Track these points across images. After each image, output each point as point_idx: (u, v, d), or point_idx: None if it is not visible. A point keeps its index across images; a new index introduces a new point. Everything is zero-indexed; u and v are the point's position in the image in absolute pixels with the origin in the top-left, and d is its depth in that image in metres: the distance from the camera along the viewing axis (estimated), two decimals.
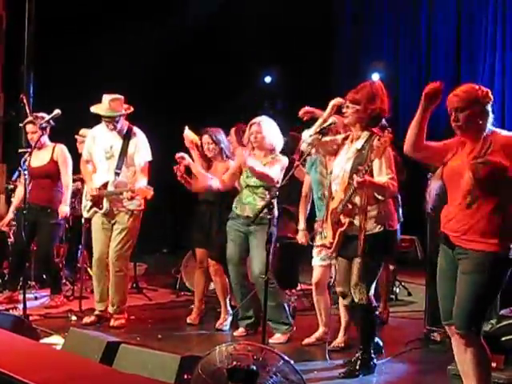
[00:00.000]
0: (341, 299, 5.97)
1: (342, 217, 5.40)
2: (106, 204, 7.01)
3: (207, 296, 7.56)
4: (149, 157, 7.13)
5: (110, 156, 7.06)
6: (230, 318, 7.10)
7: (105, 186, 7.03)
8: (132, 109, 7.10)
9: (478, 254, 4.27)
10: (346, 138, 5.66)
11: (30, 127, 7.89)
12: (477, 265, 4.27)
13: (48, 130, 7.72)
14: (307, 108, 6.25)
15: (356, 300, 5.51)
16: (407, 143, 4.48)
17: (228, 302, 7.15)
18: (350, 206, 5.37)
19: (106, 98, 6.96)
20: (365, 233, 5.33)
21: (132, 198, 6.83)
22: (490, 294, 4.37)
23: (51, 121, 7.40)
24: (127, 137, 7.07)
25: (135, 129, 7.16)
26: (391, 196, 5.44)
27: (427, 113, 4.40)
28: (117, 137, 7.07)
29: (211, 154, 7.12)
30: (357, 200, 5.36)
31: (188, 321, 7.23)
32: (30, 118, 8.04)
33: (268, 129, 6.64)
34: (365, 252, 5.35)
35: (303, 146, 5.77)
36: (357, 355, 5.60)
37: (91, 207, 7.12)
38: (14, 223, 8.55)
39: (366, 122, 5.52)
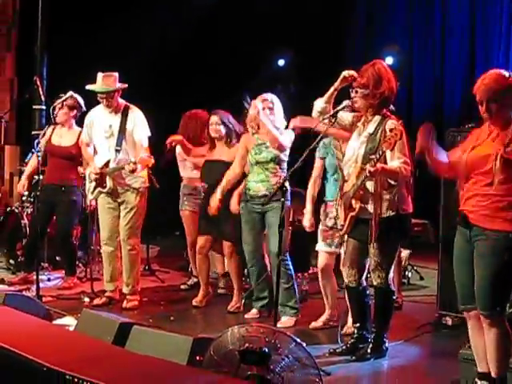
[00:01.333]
0: (345, 280, 5.93)
1: (353, 201, 5.40)
2: (109, 182, 7.02)
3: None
4: (148, 132, 7.13)
5: (109, 135, 7.07)
6: (242, 301, 7.14)
7: (107, 164, 7.05)
8: (126, 85, 7.10)
9: (494, 235, 4.28)
10: (358, 120, 5.64)
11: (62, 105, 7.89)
12: (493, 247, 4.29)
13: (75, 112, 7.74)
14: (298, 122, 6.27)
15: (375, 284, 5.53)
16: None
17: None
18: (361, 192, 5.37)
19: (100, 75, 6.98)
20: (378, 218, 5.32)
21: (134, 171, 6.79)
22: (510, 274, 4.35)
23: (82, 106, 7.44)
24: (125, 114, 7.06)
25: (132, 106, 7.14)
26: (404, 180, 5.40)
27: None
28: (114, 116, 7.08)
29: (216, 135, 7.13)
30: (368, 185, 5.36)
31: (194, 303, 7.24)
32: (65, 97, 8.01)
33: (277, 106, 6.69)
34: (380, 236, 5.35)
35: (314, 114, 5.73)
36: (369, 339, 5.62)
37: (95, 188, 7.14)
38: (27, 204, 8.60)
39: (376, 106, 5.48)
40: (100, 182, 7.07)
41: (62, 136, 7.66)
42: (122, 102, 7.13)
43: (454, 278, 4.63)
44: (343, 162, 5.64)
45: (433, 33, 11.86)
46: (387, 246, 5.46)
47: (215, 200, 6.75)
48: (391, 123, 5.34)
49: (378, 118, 5.48)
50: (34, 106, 9.80)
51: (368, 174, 5.18)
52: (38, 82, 9.72)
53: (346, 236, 5.70)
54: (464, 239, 4.48)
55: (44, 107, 9.66)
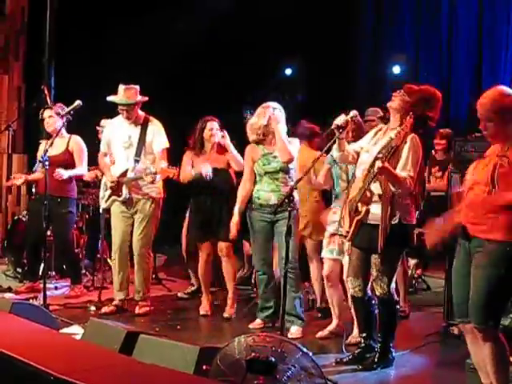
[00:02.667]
0: (350, 291, 5.94)
1: (359, 205, 5.39)
2: (125, 191, 7.11)
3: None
4: (166, 144, 7.21)
5: (128, 146, 7.17)
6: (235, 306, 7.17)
7: (124, 174, 7.13)
8: (147, 98, 7.21)
9: (492, 246, 4.25)
10: (378, 131, 5.62)
11: (47, 112, 7.95)
12: (491, 258, 4.25)
13: (65, 120, 7.77)
14: None
15: (377, 294, 5.52)
16: None
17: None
18: (368, 194, 5.35)
19: (122, 87, 7.09)
20: (387, 223, 5.28)
21: (153, 181, 6.86)
22: (506, 287, 4.32)
23: (70, 113, 7.47)
24: (144, 126, 7.18)
25: (152, 118, 7.26)
26: (405, 192, 5.33)
27: None
28: (134, 127, 7.19)
29: (215, 141, 7.18)
30: (374, 189, 5.34)
31: (201, 312, 7.26)
32: (48, 106, 8.10)
33: (281, 115, 6.68)
34: (381, 245, 5.34)
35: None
36: (376, 348, 5.61)
37: (110, 196, 7.21)
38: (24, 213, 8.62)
39: (415, 122, 5.35)
40: (116, 190, 7.15)
41: (52, 145, 7.66)
42: (141, 113, 7.24)
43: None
44: (358, 163, 5.60)
45: (440, 33, 11.84)
46: (389, 255, 5.42)
47: (234, 223, 6.75)
48: (411, 136, 5.30)
49: (398, 129, 5.34)
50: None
51: (376, 170, 5.16)
52: (46, 91, 9.75)
53: (349, 245, 5.68)
54: (464, 252, 4.45)
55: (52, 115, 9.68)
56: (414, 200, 5.56)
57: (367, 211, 5.36)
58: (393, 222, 5.35)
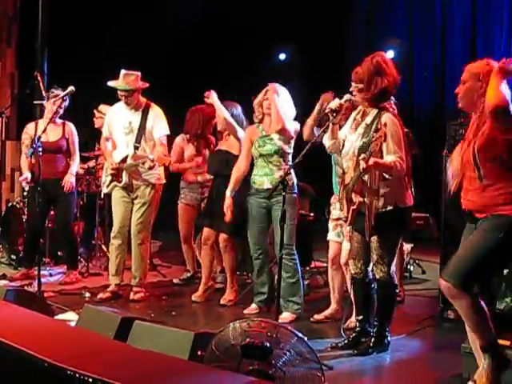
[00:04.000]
0: (348, 274, 5.94)
1: (353, 195, 5.38)
2: (125, 177, 7.14)
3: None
4: (166, 130, 7.26)
5: (128, 131, 7.20)
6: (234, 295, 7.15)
7: (124, 160, 7.16)
8: (147, 84, 7.24)
9: (498, 217, 4.24)
10: (357, 113, 5.62)
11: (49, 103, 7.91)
12: (495, 225, 4.24)
13: (64, 105, 7.79)
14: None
15: (377, 277, 5.53)
16: None
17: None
18: (360, 185, 5.34)
19: (123, 72, 7.11)
20: (375, 212, 5.30)
21: (152, 167, 6.89)
22: (498, 254, 4.28)
23: (66, 99, 7.46)
24: (145, 112, 7.21)
25: (152, 104, 7.29)
26: (399, 175, 5.31)
27: None
28: (135, 113, 7.22)
29: (223, 128, 7.22)
30: (366, 179, 5.33)
31: (193, 298, 7.27)
32: (44, 95, 8.07)
33: (281, 95, 6.65)
34: (380, 230, 5.35)
35: (329, 151, 5.77)
36: (371, 333, 5.62)
37: (111, 182, 7.24)
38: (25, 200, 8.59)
39: (373, 100, 5.44)
40: (116, 176, 7.20)
41: (47, 131, 7.60)
42: (142, 99, 7.26)
43: None
44: (342, 154, 5.61)
45: (434, 20, 11.84)
46: (387, 239, 5.45)
47: (227, 202, 6.72)
48: (385, 117, 5.32)
49: (375, 110, 5.45)
50: (34, 101, 9.76)
51: (361, 171, 5.16)
52: (39, 77, 9.69)
53: (350, 229, 5.69)
54: (471, 231, 4.42)
55: (45, 102, 9.65)
56: (407, 179, 5.52)
57: (360, 202, 5.35)
58: (389, 208, 5.36)
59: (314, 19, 11.48)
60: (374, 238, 5.43)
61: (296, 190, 6.54)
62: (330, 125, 5.56)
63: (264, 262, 6.76)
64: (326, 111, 5.53)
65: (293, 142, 6.62)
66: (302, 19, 11.50)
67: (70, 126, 8.05)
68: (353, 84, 5.51)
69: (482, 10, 11.26)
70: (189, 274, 8.16)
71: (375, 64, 5.40)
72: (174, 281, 8.21)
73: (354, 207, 5.38)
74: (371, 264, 5.59)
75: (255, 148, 6.67)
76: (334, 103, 5.50)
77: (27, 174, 7.93)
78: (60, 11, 10.39)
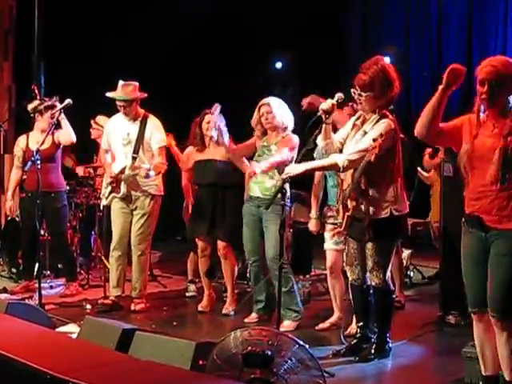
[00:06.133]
0: (349, 279, 5.94)
1: (348, 201, 5.40)
2: (123, 188, 7.13)
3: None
4: (164, 141, 7.26)
5: (127, 143, 7.21)
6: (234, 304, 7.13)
7: (122, 171, 7.15)
8: (145, 95, 7.25)
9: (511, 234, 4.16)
10: (357, 118, 5.60)
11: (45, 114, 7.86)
12: (511, 246, 4.16)
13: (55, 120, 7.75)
14: (310, 98, 6.22)
15: (373, 284, 5.53)
16: (421, 125, 4.32)
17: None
18: (356, 192, 5.35)
19: (121, 83, 7.14)
20: (370, 218, 5.32)
21: (147, 176, 6.90)
22: None
23: (61, 112, 7.44)
24: (143, 123, 7.21)
25: (150, 115, 7.29)
26: (374, 156, 5.09)
27: (449, 92, 4.27)
28: (133, 123, 7.23)
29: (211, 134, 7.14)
30: (362, 186, 5.34)
31: (199, 308, 7.24)
32: (37, 105, 7.96)
33: (278, 108, 6.61)
34: (375, 237, 5.36)
35: (320, 156, 5.65)
36: (372, 339, 5.62)
37: (110, 193, 7.24)
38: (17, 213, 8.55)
39: (381, 107, 5.43)
40: (115, 187, 7.19)
41: (37, 140, 7.56)
42: (140, 110, 7.27)
43: (455, 277, 4.57)
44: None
45: (429, 20, 11.87)
46: (383, 246, 5.45)
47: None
48: (382, 122, 5.33)
49: (375, 116, 5.44)
50: (32, 115, 9.78)
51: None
52: (36, 90, 9.71)
53: (346, 236, 5.70)
54: (478, 240, 4.31)
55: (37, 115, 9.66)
56: (399, 186, 5.48)
57: (355, 207, 5.36)
58: (383, 216, 5.37)
59: (310, 27, 11.50)
60: (369, 245, 5.44)
61: (288, 201, 6.49)
62: (323, 126, 5.55)
63: (259, 268, 6.74)
64: (319, 113, 5.50)
65: (294, 153, 6.48)
66: (298, 23, 11.51)
67: (58, 133, 7.77)
68: (362, 94, 5.36)
69: (477, 10, 11.29)
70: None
71: (384, 70, 5.34)
72: (187, 294, 8.06)
73: (349, 214, 5.39)
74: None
75: (255, 156, 6.69)
76: (326, 104, 5.46)
77: (10, 203, 8.00)
78: (56, 23, 10.41)
